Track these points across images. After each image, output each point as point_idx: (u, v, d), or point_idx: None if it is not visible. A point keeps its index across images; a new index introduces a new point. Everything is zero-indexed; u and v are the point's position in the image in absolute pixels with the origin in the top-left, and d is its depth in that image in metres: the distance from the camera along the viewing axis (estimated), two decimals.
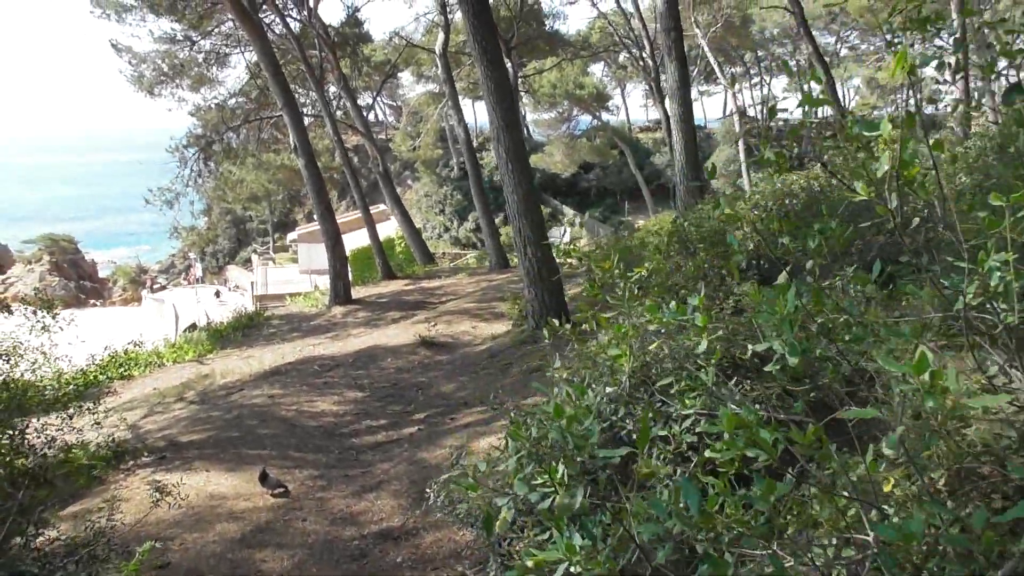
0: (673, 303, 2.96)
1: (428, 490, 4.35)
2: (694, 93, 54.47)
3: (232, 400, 9.53)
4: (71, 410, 7.19)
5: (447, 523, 4.87)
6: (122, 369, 14.18)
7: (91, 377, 13.31)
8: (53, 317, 7.26)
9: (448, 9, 26.50)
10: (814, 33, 61.09)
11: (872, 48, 59.45)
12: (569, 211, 53.76)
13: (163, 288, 57.92)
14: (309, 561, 4.92)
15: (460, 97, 27.57)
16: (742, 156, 47.88)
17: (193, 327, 19.90)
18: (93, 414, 7.38)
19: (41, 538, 4.12)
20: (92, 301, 60.28)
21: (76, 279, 62.46)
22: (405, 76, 62.13)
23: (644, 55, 31.41)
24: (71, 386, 7.20)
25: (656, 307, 3.07)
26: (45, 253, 62.43)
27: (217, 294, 49.23)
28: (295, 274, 39.91)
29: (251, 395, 9.59)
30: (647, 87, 71.33)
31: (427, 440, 7.16)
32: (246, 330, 17.74)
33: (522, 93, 39.64)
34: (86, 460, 7.22)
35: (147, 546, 3.48)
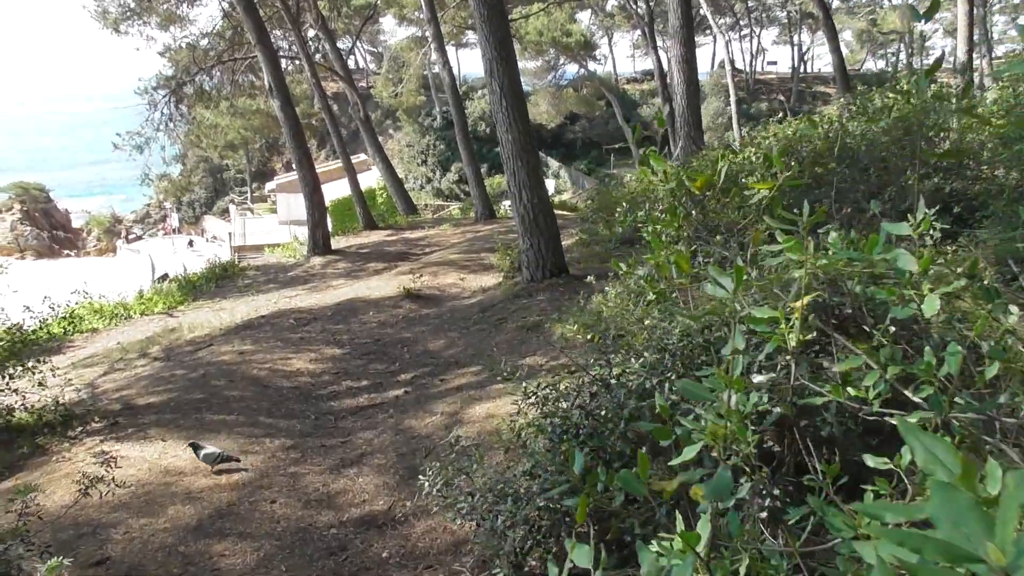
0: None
1: (421, 476, 3.58)
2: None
3: (199, 357, 8.69)
4: (9, 369, 6.36)
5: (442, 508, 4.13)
6: (84, 322, 13.32)
7: (41, 332, 12.42)
8: None
9: None
10: None
11: (865, 0, 58.20)
12: (554, 163, 52.73)
13: (139, 238, 56.58)
14: (277, 556, 4.16)
15: (444, 42, 26.25)
16: (733, 109, 46.86)
17: (164, 278, 18.91)
18: (36, 373, 6.55)
19: None
20: (66, 252, 58.76)
21: (49, 229, 60.81)
22: (386, 21, 60.28)
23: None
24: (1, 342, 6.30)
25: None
26: (16, 202, 60.62)
27: (190, 243, 48.26)
28: (274, 225, 38.88)
29: (220, 351, 8.76)
30: (639, 34, 69.81)
31: (415, 405, 6.39)
32: (220, 281, 16.82)
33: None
34: (30, 424, 6.41)
35: (53, 563, 2.70)
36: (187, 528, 4.47)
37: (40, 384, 6.65)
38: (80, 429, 6.09)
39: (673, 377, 3.22)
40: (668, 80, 19.15)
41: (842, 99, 15.78)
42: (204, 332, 10.28)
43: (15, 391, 6.34)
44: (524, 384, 4.07)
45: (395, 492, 4.86)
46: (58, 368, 9.88)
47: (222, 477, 5.16)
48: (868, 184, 6.77)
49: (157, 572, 4.00)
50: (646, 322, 4.93)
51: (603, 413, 3.46)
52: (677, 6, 14.34)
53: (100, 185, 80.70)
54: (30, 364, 6.54)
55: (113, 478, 4.56)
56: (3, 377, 6.29)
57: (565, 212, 23.96)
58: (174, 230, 54.24)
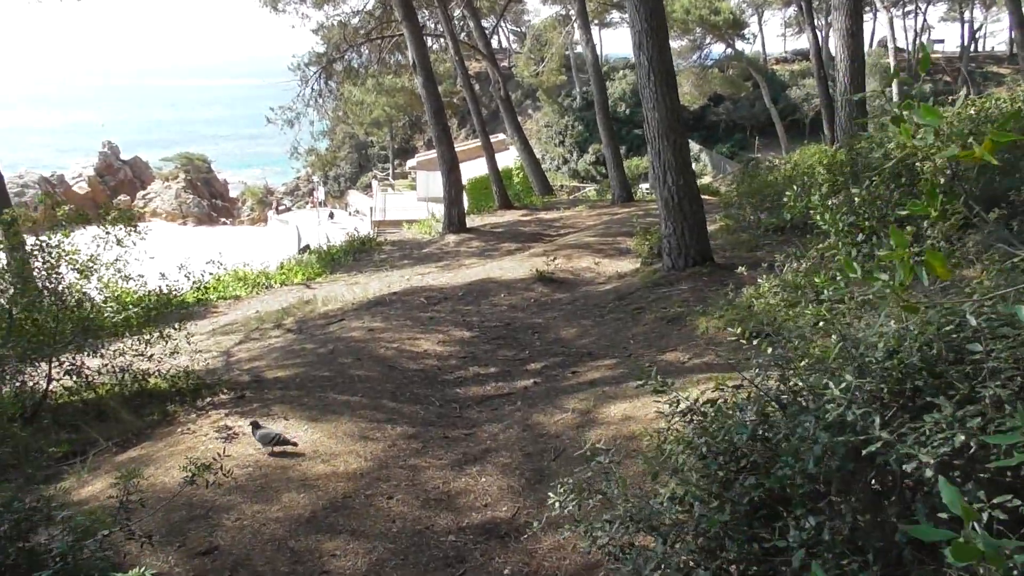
0: None
1: (551, 495, 3.08)
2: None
3: (329, 331, 8.62)
4: (147, 335, 6.40)
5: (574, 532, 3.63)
6: (229, 289, 13.80)
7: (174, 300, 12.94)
8: (130, 232, 6.39)
9: None
10: None
11: None
12: (695, 146, 50.80)
13: (288, 210, 59.43)
14: (390, 562, 3.81)
15: (588, 19, 25.48)
16: (894, 92, 43.31)
17: (306, 249, 19.47)
18: (169, 340, 6.58)
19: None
20: (222, 220, 62.69)
21: (209, 198, 65.04)
22: (530, 1, 60.02)
23: None
24: (134, 308, 6.32)
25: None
26: (181, 171, 65.11)
27: (331, 215, 50.21)
28: (413, 201, 39.68)
29: (350, 327, 8.66)
30: (793, 10, 65.98)
31: (544, 398, 5.92)
32: (357, 255, 17.08)
33: None
34: (164, 390, 6.45)
35: (134, 573, 2.44)
36: (299, 520, 4.22)
37: (173, 353, 6.69)
38: (208, 400, 6.05)
39: (888, 416, 2.53)
40: (831, 56, 17.54)
41: None
42: (337, 306, 10.27)
43: (150, 357, 6.38)
44: (674, 392, 3.47)
45: (520, 497, 4.41)
46: (198, 335, 10.20)
47: (341, 464, 4.91)
48: None
49: (264, 569, 3.76)
50: (821, 325, 4.21)
51: (779, 440, 2.84)
52: None
53: (257, 157, 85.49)
54: (167, 331, 6.56)
55: (230, 457, 4.38)
56: (139, 343, 6.33)
57: (707, 197, 22.75)
58: (320, 203, 56.55)
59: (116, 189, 63.71)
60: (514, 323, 8.59)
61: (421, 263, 14.89)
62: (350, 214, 52.02)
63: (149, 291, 6.55)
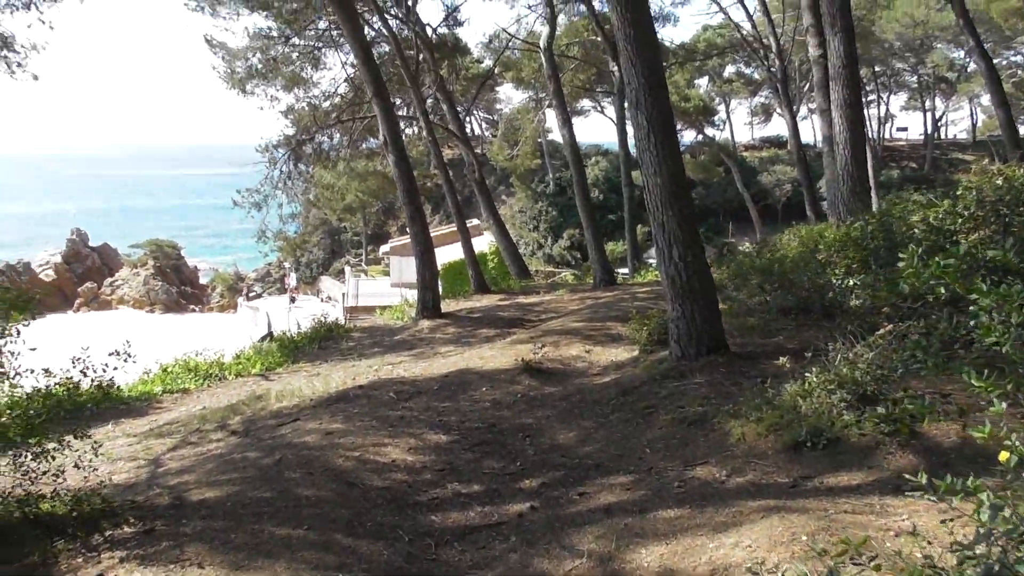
0: None
1: None
2: (803, 111, 50.58)
3: (279, 435, 7.23)
4: (45, 444, 5.01)
5: None
6: (178, 382, 12.36)
7: (132, 391, 11.47)
8: (21, 320, 5.03)
9: (554, 3, 24.49)
10: (939, 47, 56.26)
11: (1005, 63, 53.95)
12: None
13: (258, 296, 58.09)
14: None
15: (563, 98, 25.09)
16: (871, 175, 43.75)
17: (267, 338, 18.08)
18: (71, 451, 5.17)
19: None
20: (191, 307, 61.11)
21: (178, 284, 63.66)
22: (502, 90, 60.79)
23: (771, 55, 28.10)
24: (30, 412, 4.89)
25: None
26: (150, 258, 63.98)
27: (292, 300, 49.20)
28: (386, 287, 38.94)
29: (304, 428, 7.27)
30: (758, 100, 67.61)
31: (545, 531, 4.56)
32: (323, 342, 15.74)
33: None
34: (62, 514, 5.01)
35: None
36: None
37: (76, 466, 5.28)
38: (108, 535, 4.62)
39: None
40: (796, 148, 16.98)
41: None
42: (292, 403, 8.89)
43: (39, 474, 4.96)
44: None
45: None
46: (132, 435, 8.73)
47: None
48: None
49: None
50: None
51: None
52: (839, 45, 12.43)
53: (226, 243, 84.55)
54: (67, 439, 5.15)
55: None
56: (18, 457, 4.89)
57: None
58: (293, 288, 55.36)
59: (83, 276, 62.22)
60: (500, 424, 7.25)
61: (392, 351, 13.57)
62: (322, 300, 50.98)
63: (36, 391, 5.11)
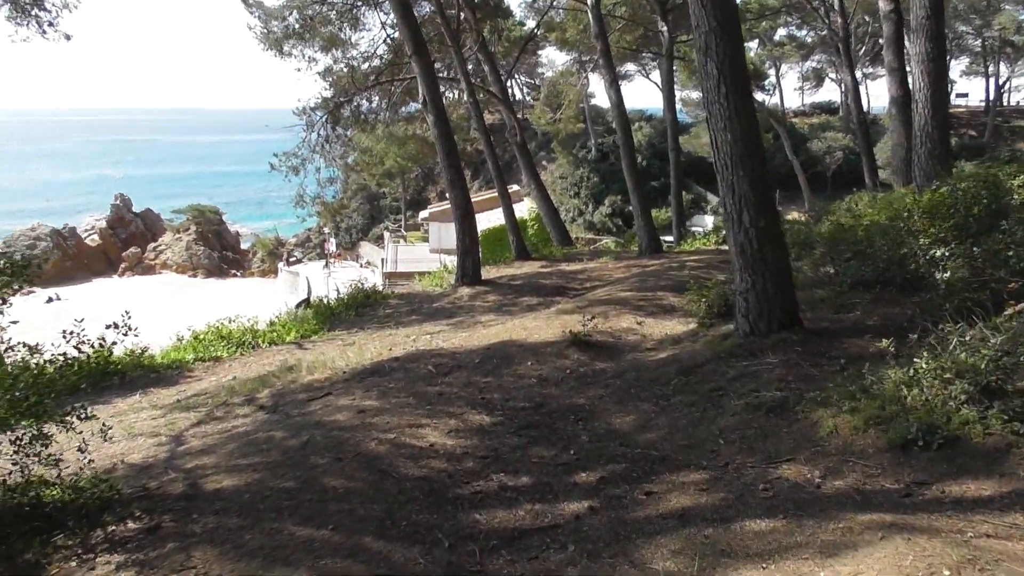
0: None
1: None
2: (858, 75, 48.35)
3: (309, 411, 6.66)
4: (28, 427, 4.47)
5: None
6: (210, 349, 11.92)
7: (149, 360, 11.03)
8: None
9: None
10: (1007, 8, 53.32)
11: None
12: (714, 198, 49.60)
13: (298, 261, 58.21)
14: None
15: (611, 57, 23.90)
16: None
17: (303, 304, 17.64)
18: (70, 430, 4.63)
19: None
20: (233, 271, 61.58)
21: (219, 249, 64.14)
22: (544, 54, 59.36)
23: (832, 14, 26.48)
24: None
25: None
26: (192, 223, 64.46)
27: (325, 265, 49.30)
28: (425, 253, 38.58)
29: (336, 405, 6.69)
30: (810, 65, 65.15)
31: (609, 540, 3.85)
32: (360, 309, 15.22)
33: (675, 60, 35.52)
34: (66, 501, 4.48)
35: None
36: None
37: (80, 449, 4.75)
38: (110, 531, 4.08)
39: None
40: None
41: None
42: (324, 375, 8.33)
43: (47, 457, 4.42)
44: None
45: None
46: (158, 407, 8.27)
47: None
48: None
49: None
50: None
51: None
52: None
53: (268, 208, 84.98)
54: (67, 417, 4.59)
55: None
56: (37, 437, 4.32)
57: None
58: (334, 255, 55.36)
59: (128, 241, 63.05)
60: (548, 404, 6.58)
61: (431, 319, 12.98)
62: (361, 266, 50.91)
63: (22, 368, 4.53)
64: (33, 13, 16.61)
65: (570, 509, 4.33)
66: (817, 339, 6.74)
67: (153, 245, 63.31)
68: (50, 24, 16.97)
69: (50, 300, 48.27)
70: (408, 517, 4.27)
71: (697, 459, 4.81)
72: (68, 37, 17.33)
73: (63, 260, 56.93)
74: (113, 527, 4.12)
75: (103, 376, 9.77)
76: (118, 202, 66.42)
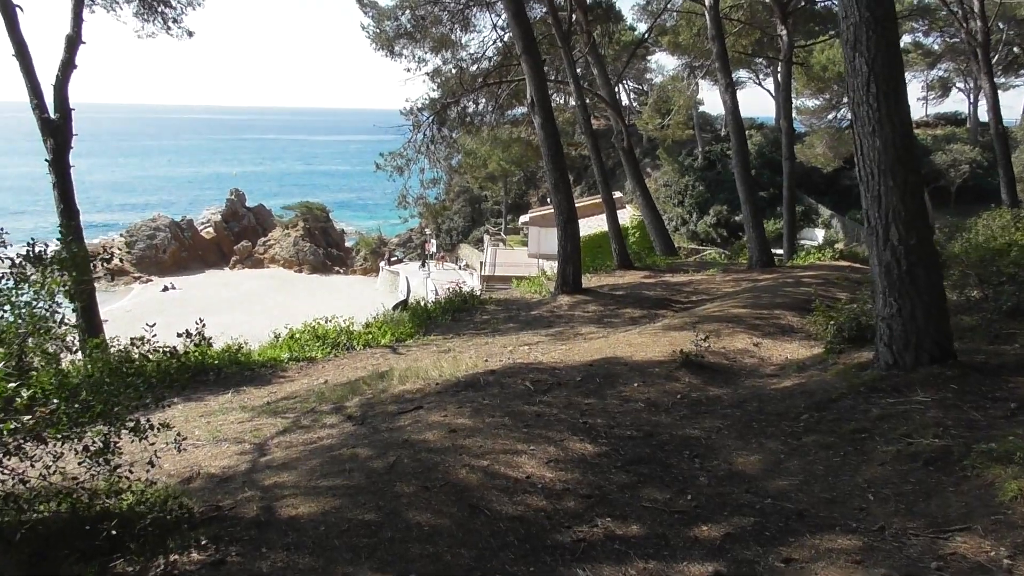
0: None
1: None
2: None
3: (398, 426, 6.21)
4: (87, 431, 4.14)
5: None
6: (305, 349, 11.77)
7: (246, 357, 10.87)
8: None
9: None
10: None
11: None
12: (825, 211, 47.32)
13: (399, 261, 59.12)
14: None
15: (727, 61, 22.71)
16: None
17: (400, 306, 17.45)
18: (151, 433, 4.29)
19: None
20: (336, 268, 63.20)
21: (325, 246, 65.94)
22: (653, 59, 58.05)
23: (971, 18, 24.42)
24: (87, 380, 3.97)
25: None
26: (301, 219, 66.53)
27: (422, 265, 49.83)
28: (523, 257, 38.34)
29: (427, 421, 6.23)
30: (936, 73, 61.10)
31: None
32: (457, 313, 14.88)
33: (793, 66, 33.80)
34: (139, 513, 4.16)
35: None
36: None
37: (151, 462, 4.42)
38: (173, 559, 3.70)
39: None
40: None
41: None
42: (416, 386, 7.90)
43: (111, 467, 4.10)
44: None
45: None
46: (248, 409, 8.06)
47: None
48: None
49: None
50: None
51: None
52: None
53: (372, 209, 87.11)
54: (140, 425, 4.26)
55: None
56: (103, 444, 3.99)
57: (855, 264, 19.46)
58: (438, 256, 55.97)
59: (239, 234, 65.76)
60: (658, 433, 5.88)
61: (528, 328, 12.46)
62: (460, 268, 51.23)
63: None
64: (159, 10, 17.13)
65: (691, 573, 3.65)
66: (976, 376, 5.78)
67: (263, 240, 65.75)
68: (175, 21, 17.47)
69: (165, 289, 50.94)
70: (501, 568, 3.69)
71: (843, 518, 4.02)
72: (191, 34, 17.82)
73: (179, 250, 59.91)
74: (176, 555, 3.73)
75: (200, 371, 9.70)
76: (233, 197, 69.41)
